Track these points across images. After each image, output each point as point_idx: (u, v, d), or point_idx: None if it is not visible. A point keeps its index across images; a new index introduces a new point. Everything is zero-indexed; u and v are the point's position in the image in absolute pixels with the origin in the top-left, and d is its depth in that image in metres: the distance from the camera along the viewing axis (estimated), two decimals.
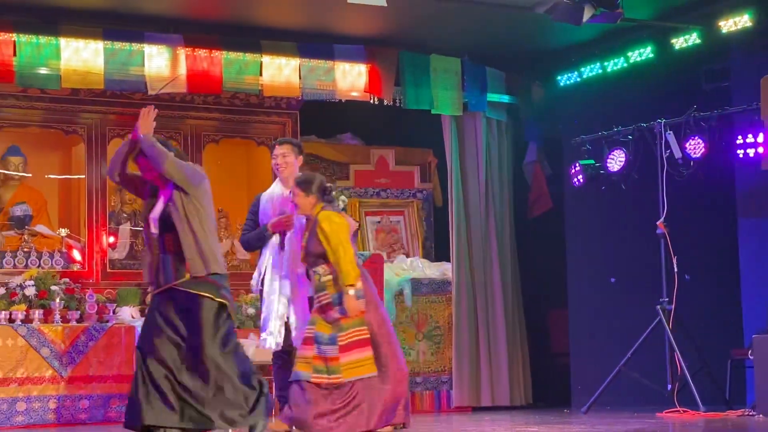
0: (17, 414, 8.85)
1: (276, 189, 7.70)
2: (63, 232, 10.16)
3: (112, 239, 10.25)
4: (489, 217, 10.83)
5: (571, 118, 10.92)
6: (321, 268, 7.16)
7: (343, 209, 8.96)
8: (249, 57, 9.81)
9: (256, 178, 10.83)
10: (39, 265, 9.75)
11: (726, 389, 9.36)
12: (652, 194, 9.59)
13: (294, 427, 7.15)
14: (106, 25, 9.39)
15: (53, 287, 9.42)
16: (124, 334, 9.21)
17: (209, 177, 6.69)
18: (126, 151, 6.53)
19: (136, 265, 10.13)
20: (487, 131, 10.86)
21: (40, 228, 10.21)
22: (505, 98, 10.96)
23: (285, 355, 7.57)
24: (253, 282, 7.73)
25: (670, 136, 9.50)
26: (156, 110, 6.49)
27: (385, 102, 10.31)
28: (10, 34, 9.04)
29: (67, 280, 9.66)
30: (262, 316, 7.64)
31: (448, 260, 10.79)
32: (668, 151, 9.51)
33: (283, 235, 7.59)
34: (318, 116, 11.00)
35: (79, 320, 9.33)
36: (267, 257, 7.63)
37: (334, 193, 7.43)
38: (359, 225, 10.99)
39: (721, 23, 9.45)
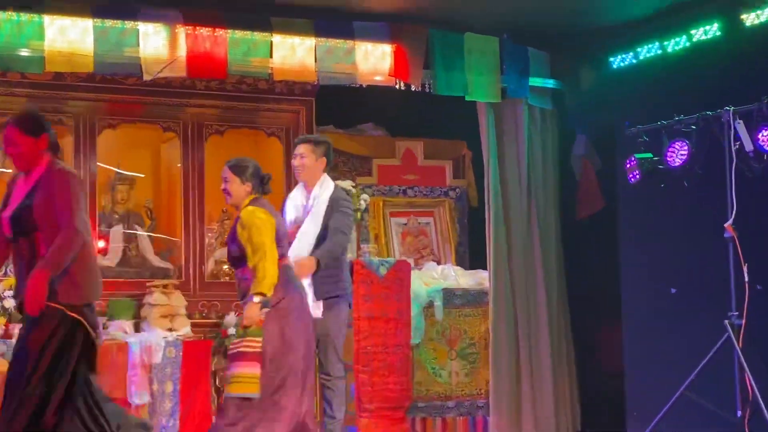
0: None
1: (297, 196, 7.88)
2: None
3: (102, 243, 9.93)
4: (531, 218, 10.53)
5: (626, 106, 10.56)
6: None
7: (365, 210, 9.14)
8: (257, 36, 9.46)
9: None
10: None
11: None
12: (719, 192, 9.14)
13: None
14: (96, 1, 9.03)
15: None
16: (116, 352, 9.01)
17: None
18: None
19: (130, 273, 9.90)
20: (529, 120, 10.54)
21: None
22: (550, 83, 10.59)
23: None
24: None
25: (740, 126, 9.08)
26: None
27: (413, 87, 10.01)
28: None
29: None
30: None
31: (484, 268, 10.44)
32: (737, 143, 9.08)
33: None
34: (336, 104, 10.66)
35: None
36: None
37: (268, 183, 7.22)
38: (382, 229, 10.90)
39: None
